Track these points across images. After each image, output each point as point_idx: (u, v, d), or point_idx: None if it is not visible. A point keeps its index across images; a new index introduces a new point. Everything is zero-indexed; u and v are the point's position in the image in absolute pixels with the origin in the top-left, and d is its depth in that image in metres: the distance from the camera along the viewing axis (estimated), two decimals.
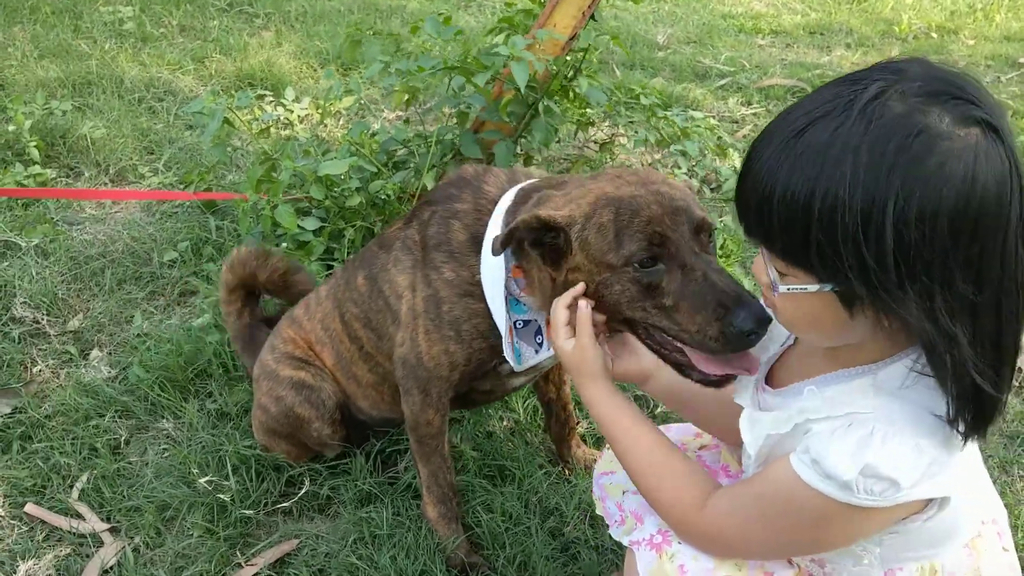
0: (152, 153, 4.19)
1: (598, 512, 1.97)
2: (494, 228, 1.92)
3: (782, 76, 5.53)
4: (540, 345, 1.98)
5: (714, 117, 4.85)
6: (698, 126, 4.02)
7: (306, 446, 2.48)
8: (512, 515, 2.37)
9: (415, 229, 2.13)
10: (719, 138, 4.23)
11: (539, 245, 1.76)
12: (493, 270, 1.92)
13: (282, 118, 4.57)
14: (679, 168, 3.79)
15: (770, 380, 1.64)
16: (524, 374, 2.17)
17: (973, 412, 1.28)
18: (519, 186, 1.95)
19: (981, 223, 1.19)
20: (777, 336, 1.66)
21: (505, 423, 2.73)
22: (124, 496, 2.43)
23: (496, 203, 1.96)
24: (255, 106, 4.69)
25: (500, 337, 1.98)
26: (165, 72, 5.07)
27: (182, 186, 3.84)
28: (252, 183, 3.02)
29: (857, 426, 1.33)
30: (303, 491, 2.45)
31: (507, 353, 1.95)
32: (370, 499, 2.44)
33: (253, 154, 4.05)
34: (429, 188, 2.96)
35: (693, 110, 4.98)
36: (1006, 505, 2.41)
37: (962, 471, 1.39)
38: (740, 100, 5.22)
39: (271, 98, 4.86)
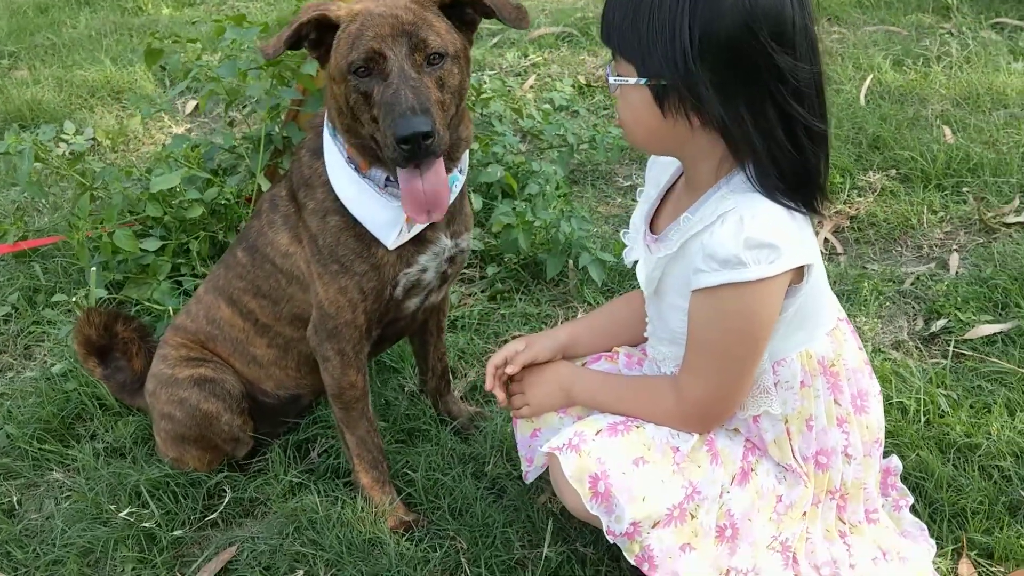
0: None
1: (523, 469, 2.18)
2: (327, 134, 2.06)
3: (549, 25, 5.78)
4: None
5: (500, 74, 5.04)
6: (492, 93, 4.14)
7: (217, 448, 2.46)
8: (436, 468, 2.47)
9: (283, 185, 2.21)
10: (509, 91, 4.41)
11: (319, 46, 1.95)
12: (333, 155, 2.04)
13: (67, 152, 4.36)
14: (501, 136, 3.89)
15: (653, 231, 1.85)
16: (414, 294, 2.23)
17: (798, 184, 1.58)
18: None
19: (753, 38, 1.47)
20: (655, 179, 1.90)
21: (406, 389, 2.82)
22: (40, 553, 2.34)
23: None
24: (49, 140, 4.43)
25: (378, 252, 2.08)
26: None
27: None
28: (83, 214, 2.92)
29: (728, 217, 1.58)
30: (227, 499, 2.45)
31: (374, 229, 2.05)
32: (294, 491, 2.47)
33: (63, 190, 3.86)
34: (264, 189, 2.96)
35: (476, 71, 5.14)
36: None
37: (816, 246, 1.66)
38: (517, 54, 5.43)
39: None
